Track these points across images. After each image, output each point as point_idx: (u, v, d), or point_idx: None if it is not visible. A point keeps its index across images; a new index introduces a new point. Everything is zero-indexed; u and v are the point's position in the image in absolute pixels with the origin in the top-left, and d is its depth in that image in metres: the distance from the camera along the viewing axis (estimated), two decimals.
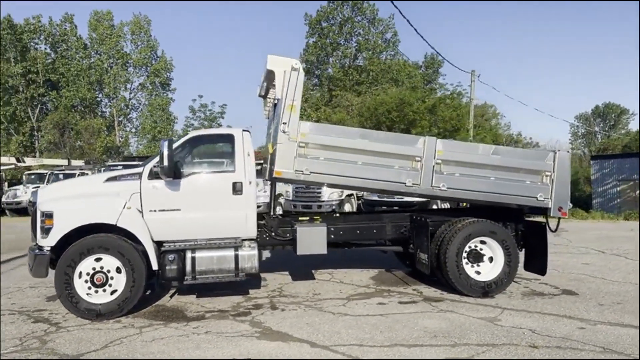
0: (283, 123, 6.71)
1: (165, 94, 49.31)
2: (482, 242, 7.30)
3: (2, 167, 27.68)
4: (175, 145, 6.79)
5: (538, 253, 7.59)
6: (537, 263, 7.61)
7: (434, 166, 7.07)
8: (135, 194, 6.56)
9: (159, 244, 6.69)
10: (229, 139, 7.01)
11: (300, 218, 7.71)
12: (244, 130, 7.04)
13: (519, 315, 6.27)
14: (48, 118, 44.02)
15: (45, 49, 46.92)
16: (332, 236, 7.53)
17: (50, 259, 6.31)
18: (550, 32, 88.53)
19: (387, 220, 7.77)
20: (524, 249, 7.87)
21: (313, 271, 9.26)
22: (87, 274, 6.26)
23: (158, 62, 48.49)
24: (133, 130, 50.77)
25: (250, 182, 6.81)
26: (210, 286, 7.62)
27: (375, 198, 15.88)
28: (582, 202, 25.27)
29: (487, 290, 7.14)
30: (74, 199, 6.49)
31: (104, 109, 50.15)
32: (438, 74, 52.40)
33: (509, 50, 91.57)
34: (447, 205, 12.51)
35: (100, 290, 6.29)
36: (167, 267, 6.53)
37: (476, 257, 7.27)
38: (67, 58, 46.22)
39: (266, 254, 7.45)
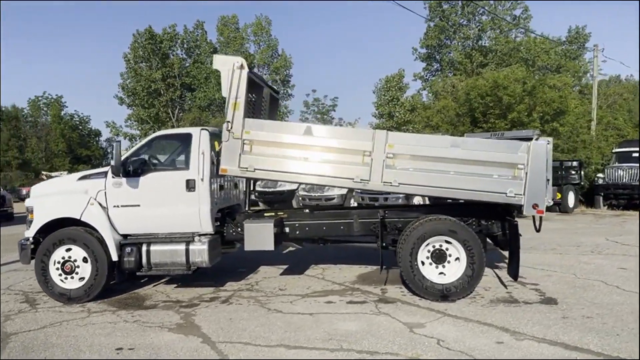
0: (227, 121, 6.84)
1: (285, 90, 51.52)
2: (448, 242, 6.72)
3: None
4: (139, 146, 7.44)
5: (513, 255, 6.77)
6: (511, 266, 6.79)
7: (384, 160, 6.66)
8: (101, 191, 7.20)
9: (126, 237, 7.30)
10: (187, 138, 7.33)
11: (265, 214, 7.79)
12: (202, 129, 7.32)
13: (450, 324, 5.70)
14: (184, 118, 48.78)
15: (181, 54, 51.89)
16: (298, 232, 7.51)
17: (33, 249, 7.26)
18: None
19: (356, 216, 7.48)
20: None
21: (313, 265, 9.27)
22: (59, 262, 7.08)
23: (278, 60, 50.78)
24: None
25: (202, 180, 7.07)
26: (198, 277, 8.10)
27: None
28: None
29: (445, 293, 6.57)
30: (50, 196, 7.36)
31: None
32: (584, 49, 47.05)
33: None
34: None
35: (69, 277, 7.08)
36: (125, 259, 7.09)
37: (439, 257, 6.73)
38: (199, 62, 50.56)
39: None
